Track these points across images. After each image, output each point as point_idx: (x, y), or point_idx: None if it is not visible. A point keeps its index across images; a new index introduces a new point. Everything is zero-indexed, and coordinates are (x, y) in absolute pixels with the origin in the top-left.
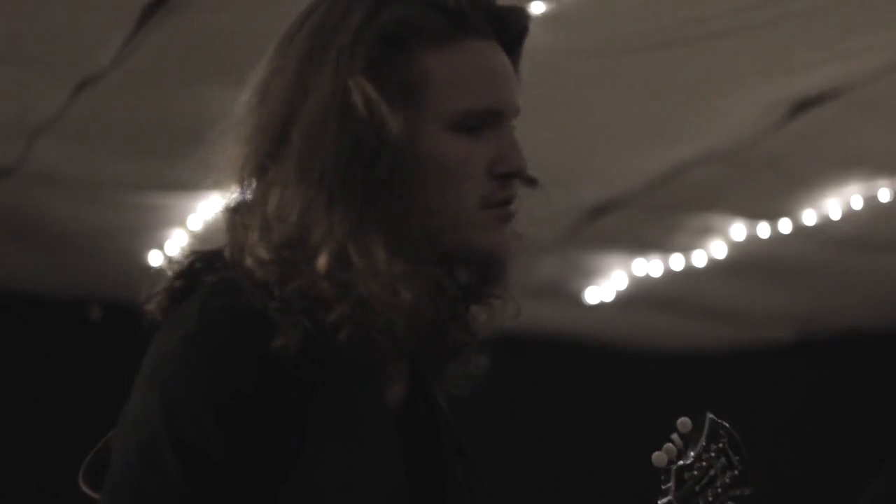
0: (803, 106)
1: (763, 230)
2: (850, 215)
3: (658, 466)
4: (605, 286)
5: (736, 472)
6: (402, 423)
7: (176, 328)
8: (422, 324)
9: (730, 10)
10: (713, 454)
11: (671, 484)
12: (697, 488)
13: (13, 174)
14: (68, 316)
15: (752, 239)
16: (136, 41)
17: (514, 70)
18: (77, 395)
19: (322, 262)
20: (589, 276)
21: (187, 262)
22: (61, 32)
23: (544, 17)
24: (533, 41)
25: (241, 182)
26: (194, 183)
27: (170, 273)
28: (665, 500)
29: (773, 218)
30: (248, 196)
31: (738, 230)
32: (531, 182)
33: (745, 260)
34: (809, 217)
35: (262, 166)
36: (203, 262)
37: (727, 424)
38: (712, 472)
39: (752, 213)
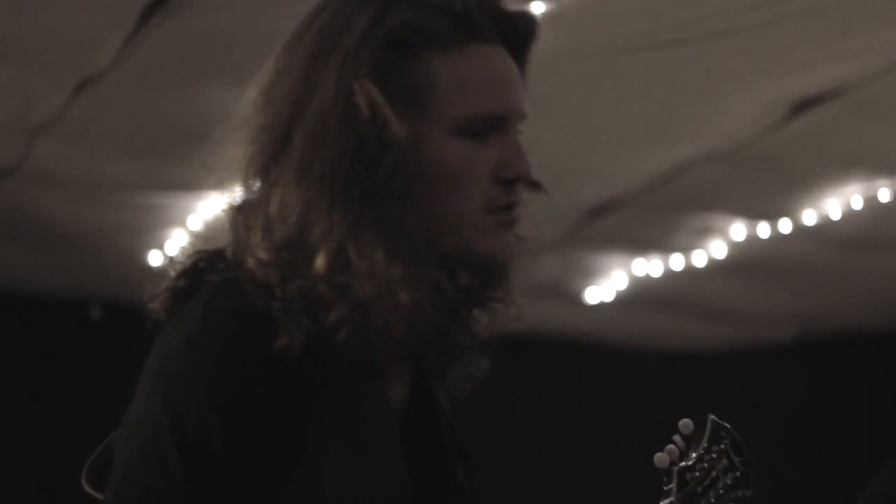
0: (803, 106)
1: (763, 230)
2: (850, 215)
3: (660, 467)
4: (605, 286)
5: (738, 473)
6: (405, 424)
7: (179, 328)
8: (421, 326)
9: (730, 10)
10: (715, 455)
11: (673, 485)
12: (699, 489)
13: (13, 174)
14: (68, 316)
15: (752, 239)
16: (136, 41)
17: (521, 75)
18: (77, 395)
19: (320, 262)
20: (589, 276)
21: (190, 262)
22: (61, 32)
23: (544, 17)
24: None
25: (245, 182)
26: (194, 183)
27: (173, 273)
28: (667, 501)
29: (773, 218)
30: (252, 196)
31: (738, 230)
32: (535, 187)
33: (745, 260)
34: (809, 217)
35: (265, 166)
36: (206, 262)
37: (729, 426)
38: (714, 474)
39: (752, 213)
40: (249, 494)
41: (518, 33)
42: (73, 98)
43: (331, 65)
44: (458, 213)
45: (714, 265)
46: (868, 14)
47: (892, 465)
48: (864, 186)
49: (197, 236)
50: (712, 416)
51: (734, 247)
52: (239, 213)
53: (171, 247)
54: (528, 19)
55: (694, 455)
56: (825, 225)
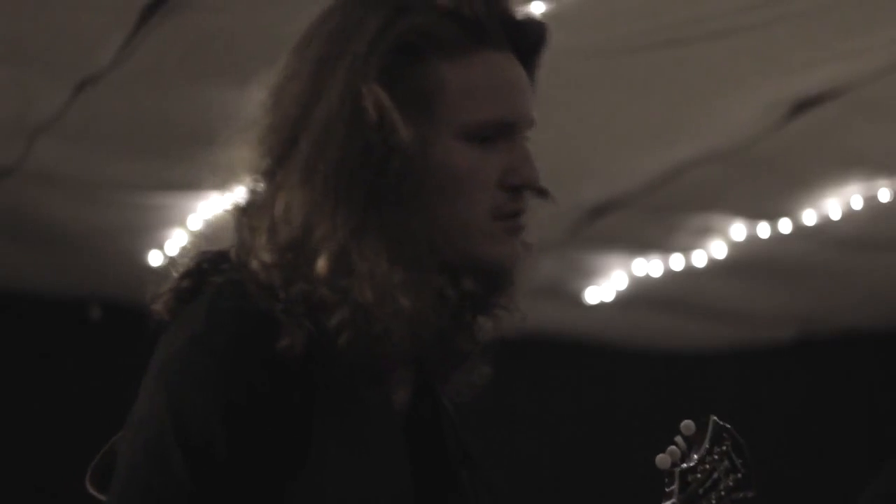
0: (803, 106)
1: (763, 230)
2: (850, 215)
3: (662, 469)
4: (605, 286)
5: (739, 475)
6: (408, 425)
7: (183, 329)
8: (423, 332)
9: (729, 10)
10: (716, 457)
11: (675, 486)
12: (701, 491)
13: (13, 174)
14: (68, 316)
15: (752, 239)
16: (136, 41)
17: (530, 81)
18: (77, 395)
19: (322, 265)
20: (589, 276)
21: (194, 263)
22: (61, 32)
23: (544, 17)
24: None
25: (251, 183)
26: (194, 183)
27: (176, 274)
28: (669, 502)
29: (773, 218)
30: (258, 198)
31: (738, 230)
32: (543, 194)
33: (745, 260)
34: (809, 217)
35: (271, 169)
36: (209, 264)
37: (730, 427)
38: (716, 475)
39: (752, 213)
40: (252, 495)
41: (528, 39)
42: (73, 98)
43: (339, 69)
44: (465, 218)
45: (714, 265)
46: (868, 14)
47: (892, 465)
48: (864, 186)
49: (199, 236)
50: (714, 418)
51: (734, 247)
52: (244, 214)
53: (171, 247)
54: (538, 26)
55: (696, 456)
56: (825, 225)
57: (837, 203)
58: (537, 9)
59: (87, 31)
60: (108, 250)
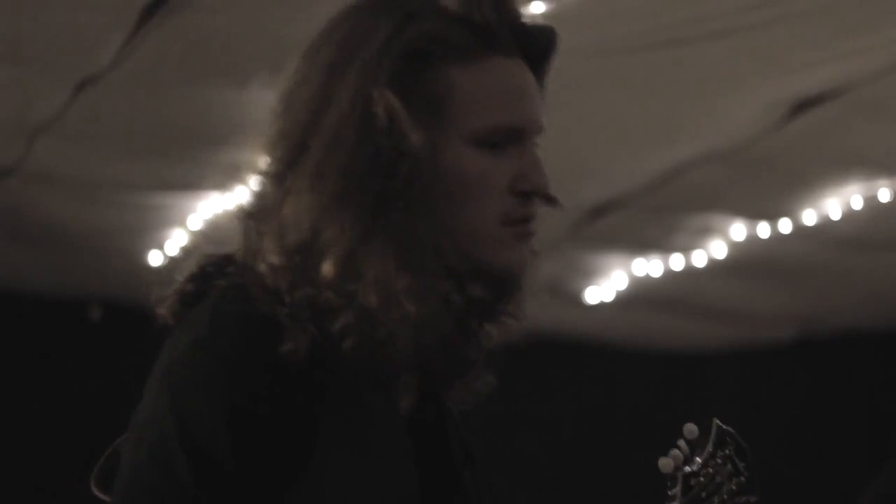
0: (803, 106)
1: (763, 230)
2: (850, 215)
3: (665, 472)
4: (605, 286)
5: (742, 479)
6: (412, 428)
7: (187, 332)
8: (428, 338)
9: (729, 10)
10: (719, 461)
11: (677, 490)
12: (704, 495)
13: (13, 174)
14: (68, 316)
15: (752, 239)
16: (136, 41)
17: (540, 87)
18: (77, 395)
19: (328, 269)
20: (589, 276)
21: (198, 267)
22: (61, 32)
23: (544, 18)
24: None
25: (259, 187)
26: (194, 183)
27: (180, 276)
28: None
29: (773, 218)
30: (266, 202)
31: (738, 230)
32: (552, 201)
33: (745, 260)
34: (809, 217)
35: (281, 173)
36: (214, 267)
37: (733, 431)
38: (718, 479)
39: (752, 213)
40: (257, 499)
41: (537, 45)
42: (73, 98)
43: (350, 74)
44: (474, 223)
45: (714, 265)
46: (868, 14)
47: (892, 465)
48: (864, 186)
49: (202, 237)
50: (717, 421)
51: (734, 247)
52: (251, 218)
53: (171, 247)
54: (548, 32)
55: (699, 460)
56: (825, 225)
57: (837, 203)
58: (537, 9)
59: (87, 31)
60: (108, 250)
